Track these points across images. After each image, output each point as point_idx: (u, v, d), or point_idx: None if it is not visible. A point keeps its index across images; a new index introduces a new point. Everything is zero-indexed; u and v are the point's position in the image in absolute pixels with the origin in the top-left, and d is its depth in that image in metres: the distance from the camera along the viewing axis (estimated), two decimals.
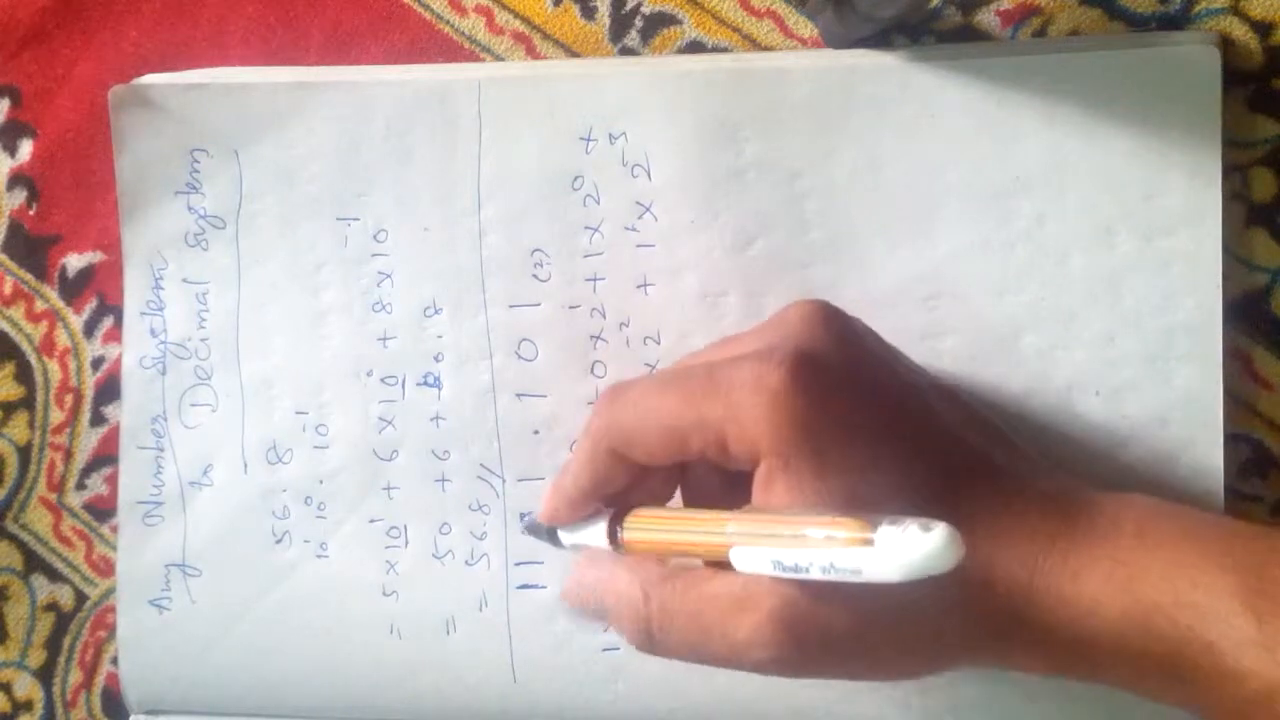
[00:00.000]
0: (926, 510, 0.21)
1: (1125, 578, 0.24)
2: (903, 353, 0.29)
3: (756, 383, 0.25)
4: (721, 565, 0.25)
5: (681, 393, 0.26)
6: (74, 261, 0.38)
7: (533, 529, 0.30)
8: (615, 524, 0.27)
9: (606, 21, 0.35)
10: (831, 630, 0.24)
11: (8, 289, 0.38)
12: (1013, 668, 0.26)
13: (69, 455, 0.38)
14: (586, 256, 0.34)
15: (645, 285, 0.34)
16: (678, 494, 0.29)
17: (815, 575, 0.22)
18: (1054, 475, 0.28)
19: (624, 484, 0.28)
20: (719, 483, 0.28)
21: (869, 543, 0.21)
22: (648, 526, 0.27)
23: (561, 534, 0.29)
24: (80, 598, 0.38)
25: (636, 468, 0.27)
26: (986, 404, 0.30)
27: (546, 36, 0.35)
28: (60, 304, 0.38)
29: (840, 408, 0.25)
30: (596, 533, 0.28)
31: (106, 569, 0.38)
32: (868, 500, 0.24)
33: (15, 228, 0.38)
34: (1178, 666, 0.24)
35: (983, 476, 0.26)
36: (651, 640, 0.26)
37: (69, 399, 0.38)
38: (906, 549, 0.20)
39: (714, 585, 0.25)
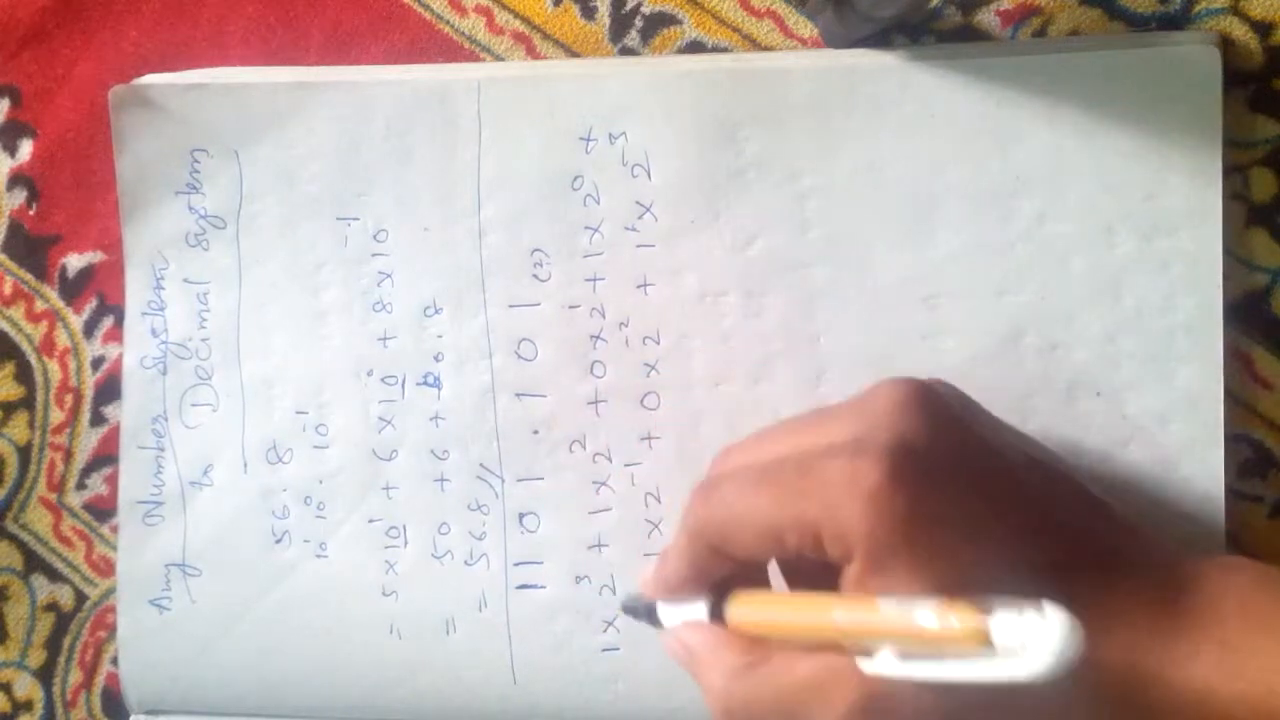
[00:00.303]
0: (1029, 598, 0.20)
1: (1236, 663, 0.23)
2: (1000, 420, 0.29)
3: (851, 481, 0.24)
4: (827, 648, 0.24)
5: (775, 491, 0.25)
6: (74, 261, 0.38)
7: (632, 610, 0.30)
8: (719, 601, 0.27)
9: (606, 21, 0.35)
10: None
11: (8, 289, 0.38)
12: None
13: (69, 455, 0.38)
14: (586, 256, 0.34)
15: (645, 285, 0.34)
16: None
17: (944, 675, 0.21)
18: (1152, 543, 0.27)
19: (724, 572, 0.27)
20: (819, 567, 0.27)
21: (985, 635, 0.20)
22: (753, 608, 0.26)
23: (662, 615, 0.29)
24: (80, 598, 0.38)
25: (735, 558, 0.27)
26: (986, 404, 0.30)
27: (546, 36, 0.35)
28: (60, 304, 0.38)
29: (939, 504, 0.24)
30: (697, 611, 0.27)
31: (106, 569, 0.38)
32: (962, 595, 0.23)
33: (15, 228, 0.38)
34: None
35: (1087, 558, 0.25)
36: None
37: (69, 399, 0.38)
38: (1029, 642, 0.19)
39: (795, 671, 0.24)
